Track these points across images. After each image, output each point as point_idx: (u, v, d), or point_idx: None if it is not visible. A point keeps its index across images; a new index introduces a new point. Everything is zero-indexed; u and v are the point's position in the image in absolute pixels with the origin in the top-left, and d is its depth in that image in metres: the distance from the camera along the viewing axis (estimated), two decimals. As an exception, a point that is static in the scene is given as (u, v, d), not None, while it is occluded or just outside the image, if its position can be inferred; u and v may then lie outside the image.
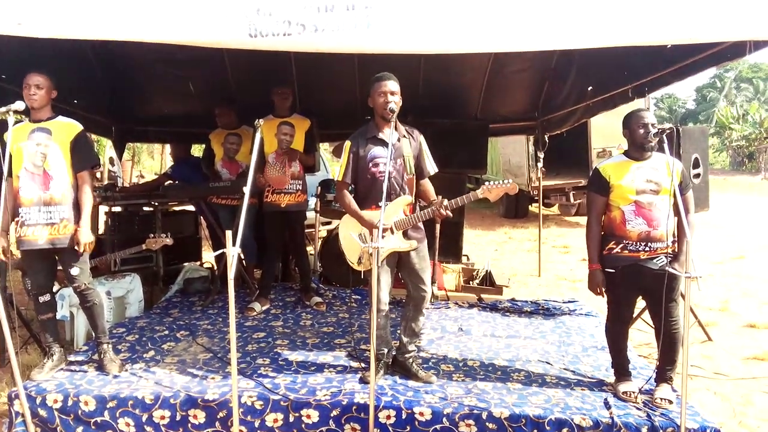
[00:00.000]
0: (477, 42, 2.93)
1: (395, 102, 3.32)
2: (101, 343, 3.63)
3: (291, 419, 3.14)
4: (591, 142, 10.84)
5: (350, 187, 3.53)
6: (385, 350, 3.59)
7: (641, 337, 4.63)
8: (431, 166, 3.61)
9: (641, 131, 3.21)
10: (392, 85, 3.35)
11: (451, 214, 3.41)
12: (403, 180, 3.47)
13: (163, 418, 3.16)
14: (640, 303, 3.48)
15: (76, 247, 3.47)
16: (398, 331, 3.66)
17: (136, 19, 2.82)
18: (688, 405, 2.96)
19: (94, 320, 3.66)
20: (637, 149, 3.29)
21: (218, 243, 5.47)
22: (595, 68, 5.12)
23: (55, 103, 3.54)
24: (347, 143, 3.50)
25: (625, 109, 5.61)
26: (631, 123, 3.27)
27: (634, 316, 4.15)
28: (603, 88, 5.26)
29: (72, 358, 3.75)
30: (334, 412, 3.13)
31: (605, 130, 10.37)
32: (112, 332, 4.15)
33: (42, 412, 3.19)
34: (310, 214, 6.04)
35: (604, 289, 3.33)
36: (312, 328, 4.47)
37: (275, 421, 3.14)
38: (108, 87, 5.80)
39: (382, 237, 2.98)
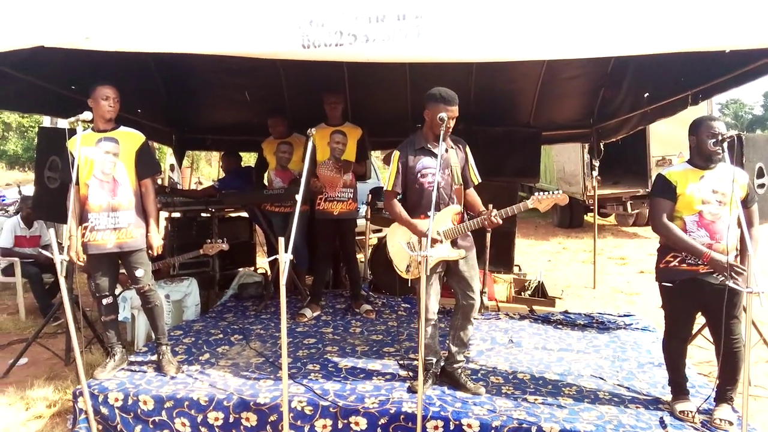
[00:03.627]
0: (529, 49, 2.90)
1: (452, 126, 3.34)
2: (160, 345, 3.78)
3: (339, 426, 3.17)
4: (650, 150, 10.48)
5: (399, 196, 3.55)
6: (434, 360, 3.57)
7: (701, 354, 4.44)
8: (476, 177, 3.61)
9: (710, 141, 3.08)
10: (455, 110, 3.33)
11: (500, 222, 3.38)
12: (452, 190, 3.47)
13: (217, 419, 3.25)
14: (701, 318, 3.34)
15: (149, 251, 3.65)
16: (447, 341, 3.65)
17: (195, 32, 2.93)
18: (750, 427, 2.82)
19: (154, 321, 3.81)
20: (702, 158, 3.16)
21: (272, 249, 5.58)
22: (651, 74, 4.97)
23: (119, 113, 3.71)
24: (396, 153, 3.52)
25: (685, 115, 5.44)
26: (699, 131, 3.14)
27: (695, 332, 4.00)
28: (660, 95, 5.10)
29: (132, 358, 3.91)
30: (382, 421, 3.14)
31: (665, 137, 10.02)
32: (170, 334, 4.29)
33: (104, 410, 3.33)
34: (361, 222, 6.09)
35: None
36: (361, 335, 4.50)
37: (324, 427, 3.18)
38: (168, 97, 6.04)
39: (431, 246, 2.98)
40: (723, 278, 3.00)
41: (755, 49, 3.02)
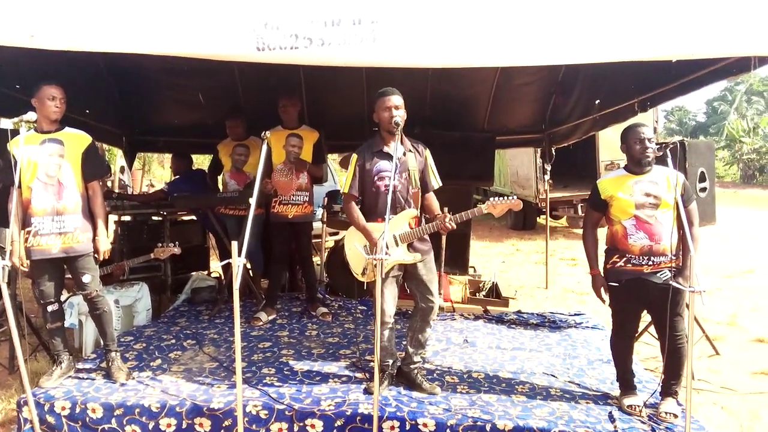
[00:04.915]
0: (483, 56, 2.96)
1: (400, 116, 3.37)
2: (109, 351, 3.68)
3: (296, 429, 3.15)
4: (599, 155, 10.84)
5: (358, 200, 3.56)
6: (390, 361, 3.59)
7: (648, 350, 4.61)
8: (435, 181, 3.65)
9: (637, 146, 3.24)
10: (396, 99, 3.39)
11: (455, 227, 3.44)
12: (409, 193, 3.50)
13: (169, 426, 3.18)
14: (647, 316, 3.48)
15: (95, 255, 3.54)
16: (404, 342, 3.68)
17: (147, 32, 2.87)
18: (693, 419, 2.94)
19: (103, 328, 3.70)
20: (634, 164, 3.31)
21: (226, 253, 5.51)
22: (601, 82, 5.14)
23: (66, 114, 3.59)
24: (354, 156, 3.54)
25: (634, 121, 5.66)
26: (628, 138, 3.30)
27: (641, 329, 4.15)
28: (610, 102, 5.28)
29: (80, 365, 3.79)
30: (339, 423, 3.14)
31: (613, 143, 10.20)
32: (120, 340, 4.18)
33: (50, 419, 3.22)
34: (317, 225, 6.07)
35: (607, 296, 3.36)
36: (317, 338, 4.49)
37: (280, 430, 3.16)
38: (119, 97, 5.89)
39: (386, 252, 3.00)
40: (667, 277, 3.14)
41: (700, 59, 3.17)
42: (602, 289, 3.36)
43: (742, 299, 6.61)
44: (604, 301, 3.38)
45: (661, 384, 3.32)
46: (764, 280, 7.58)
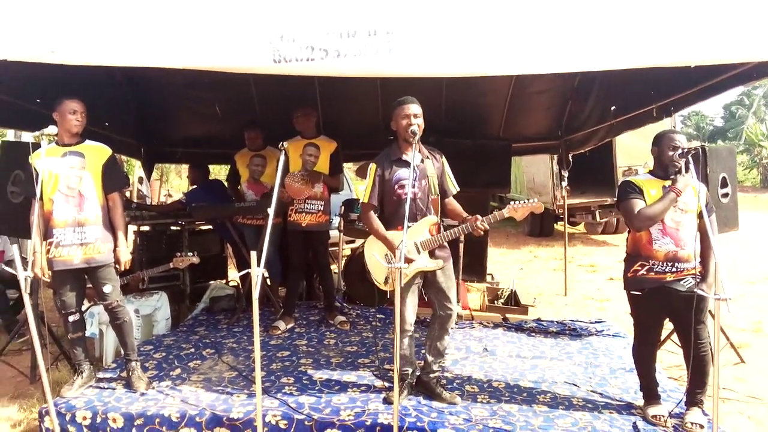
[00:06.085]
0: (498, 64, 2.95)
1: (418, 125, 3.37)
2: (130, 361, 3.70)
3: (315, 439, 3.14)
4: (616, 161, 10.76)
5: (377, 209, 3.56)
6: (409, 370, 3.57)
7: (672, 359, 4.53)
8: (453, 187, 3.64)
9: (670, 153, 3.17)
10: (414, 108, 3.40)
11: (488, 227, 3.41)
12: (428, 200, 3.50)
13: (188, 436, 3.19)
14: (670, 324, 3.42)
15: (116, 265, 3.59)
16: (423, 351, 3.66)
17: (165, 46, 2.91)
18: (720, 429, 2.89)
19: (123, 337, 3.74)
20: (663, 169, 3.25)
21: (243, 262, 5.53)
22: (618, 88, 5.10)
23: (86, 126, 3.63)
24: (372, 166, 3.54)
25: (650, 128, 5.58)
26: (662, 143, 3.24)
27: (664, 337, 4.08)
28: (626, 108, 5.23)
29: (101, 375, 3.82)
30: (358, 433, 3.13)
31: (631, 149, 10.31)
32: (140, 350, 4.21)
33: (71, 429, 3.24)
34: (334, 233, 6.08)
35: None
36: (336, 347, 4.48)
37: (299, 440, 3.15)
38: (137, 110, 5.97)
39: (407, 261, 2.99)
40: (690, 285, 3.09)
41: (719, 64, 3.13)
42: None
43: (766, 306, 6.48)
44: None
45: (686, 393, 3.26)
46: (789, 286, 7.43)
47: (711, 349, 3.10)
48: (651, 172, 3.34)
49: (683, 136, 3.27)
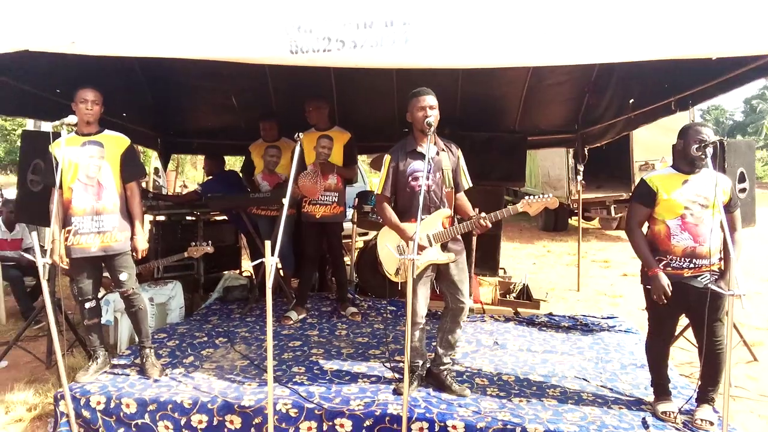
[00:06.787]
0: (515, 56, 2.93)
1: (434, 116, 3.36)
2: (144, 348, 3.76)
3: (325, 428, 3.17)
4: (633, 155, 10.61)
5: (391, 200, 3.56)
6: (420, 362, 3.59)
7: (683, 355, 4.51)
8: (466, 181, 3.63)
9: (695, 146, 3.12)
10: (430, 99, 3.38)
11: (490, 225, 3.40)
12: (442, 193, 3.49)
13: (200, 422, 3.24)
14: (683, 320, 3.39)
15: (133, 254, 3.65)
16: (433, 343, 3.67)
17: (182, 37, 2.93)
18: (730, 427, 2.87)
19: (138, 325, 3.79)
20: (686, 163, 3.20)
21: (257, 253, 5.58)
22: (636, 81, 5.04)
23: (104, 116, 3.70)
24: (387, 157, 3.54)
25: (667, 122, 5.51)
26: (687, 136, 3.18)
27: (677, 333, 4.05)
28: (644, 101, 5.17)
29: (115, 361, 3.88)
30: (367, 423, 3.15)
31: (648, 143, 10.15)
32: (154, 337, 4.26)
33: (86, 413, 3.31)
34: (348, 225, 6.10)
35: (654, 301, 3.18)
36: (347, 338, 4.51)
37: (309, 429, 3.18)
38: (154, 101, 6.01)
39: (419, 252, 2.99)
40: (707, 281, 3.06)
41: (741, 56, 3.08)
42: (666, 287, 3.09)
43: (782, 304, 6.41)
44: (666, 300, 3.12)
45: (697, 390, 3.24)
46: (806, 285, 7.33)
47: (725, 347, 3.07)
48: (673, 166, 3.28)
49: (710, 129, 3.19)
